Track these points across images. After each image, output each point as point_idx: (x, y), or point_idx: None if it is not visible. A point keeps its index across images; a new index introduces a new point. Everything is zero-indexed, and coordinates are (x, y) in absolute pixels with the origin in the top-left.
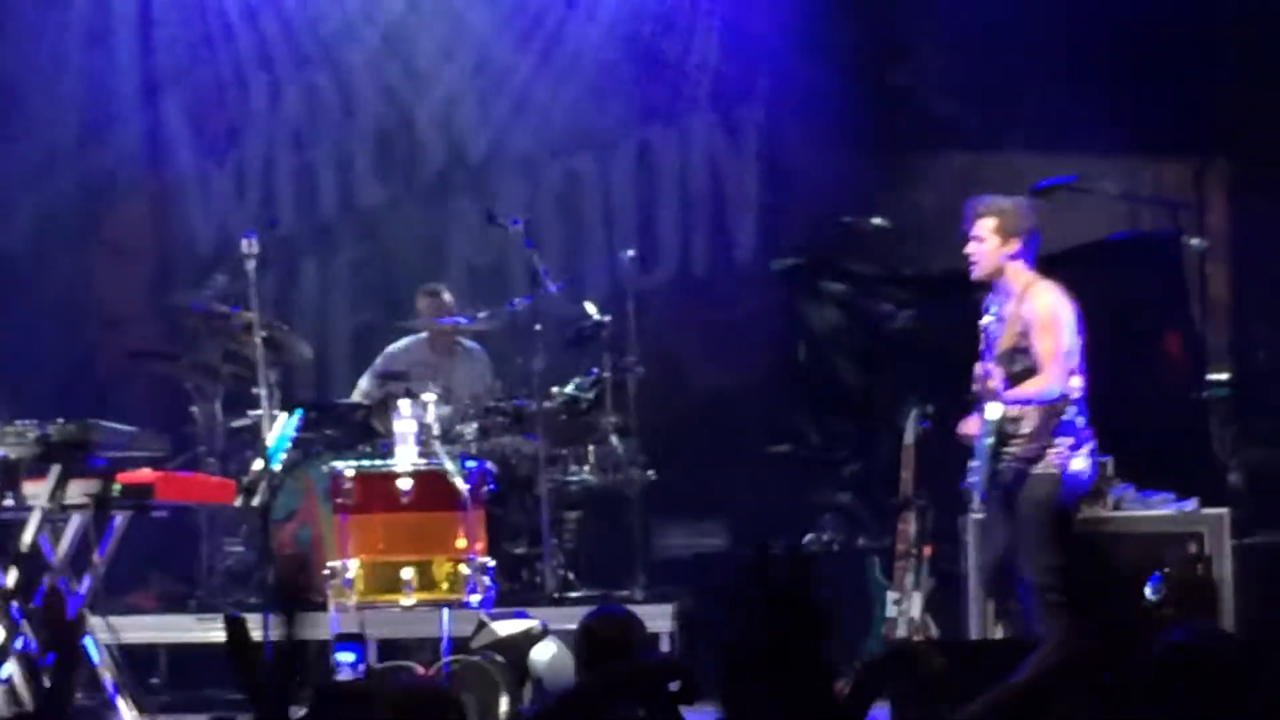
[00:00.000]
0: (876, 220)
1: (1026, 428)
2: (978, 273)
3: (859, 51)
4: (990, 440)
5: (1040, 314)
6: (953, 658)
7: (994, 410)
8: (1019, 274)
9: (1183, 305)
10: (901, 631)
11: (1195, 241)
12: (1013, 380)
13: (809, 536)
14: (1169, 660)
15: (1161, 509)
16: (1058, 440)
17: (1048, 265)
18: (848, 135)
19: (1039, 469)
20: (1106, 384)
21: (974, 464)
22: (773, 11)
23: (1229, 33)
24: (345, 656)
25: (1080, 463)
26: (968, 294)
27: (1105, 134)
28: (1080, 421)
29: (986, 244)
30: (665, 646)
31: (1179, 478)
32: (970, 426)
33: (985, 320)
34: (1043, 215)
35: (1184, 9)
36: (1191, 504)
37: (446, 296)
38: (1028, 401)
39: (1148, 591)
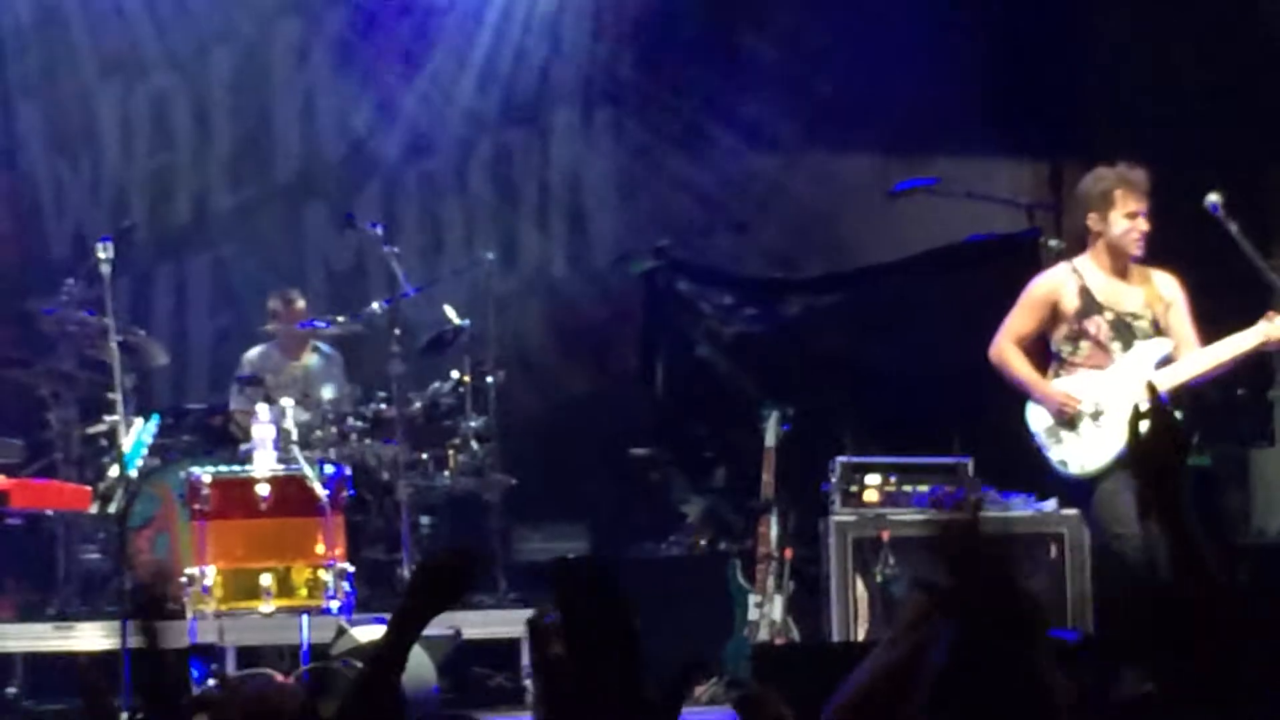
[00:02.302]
0: (731, 226)
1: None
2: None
3: (721, 51)
4: None
5: (1182, 296)
6: (816, 660)
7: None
8: None
9: None
10: (764, 634)
11: (1053, 243)
12: (1164, 360)
13: (670, 539)
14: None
15: (1021, 510)
16: None
17: (906, 267)
18: (706, 135)
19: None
20: (965, 385)
21: (1072, 448)
22: (634, 8)
23: (1088, 36)
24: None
25: None
26: (823, 296)
27: (963, 136)
28: None
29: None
30: (526, 651)
31: (1038, 479)
32: (1047, 413)
33: (1068, 289)
34: (903, 216)
35: (1044, 13)
36: (1050, 504)
37: (299, 301)
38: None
39: None
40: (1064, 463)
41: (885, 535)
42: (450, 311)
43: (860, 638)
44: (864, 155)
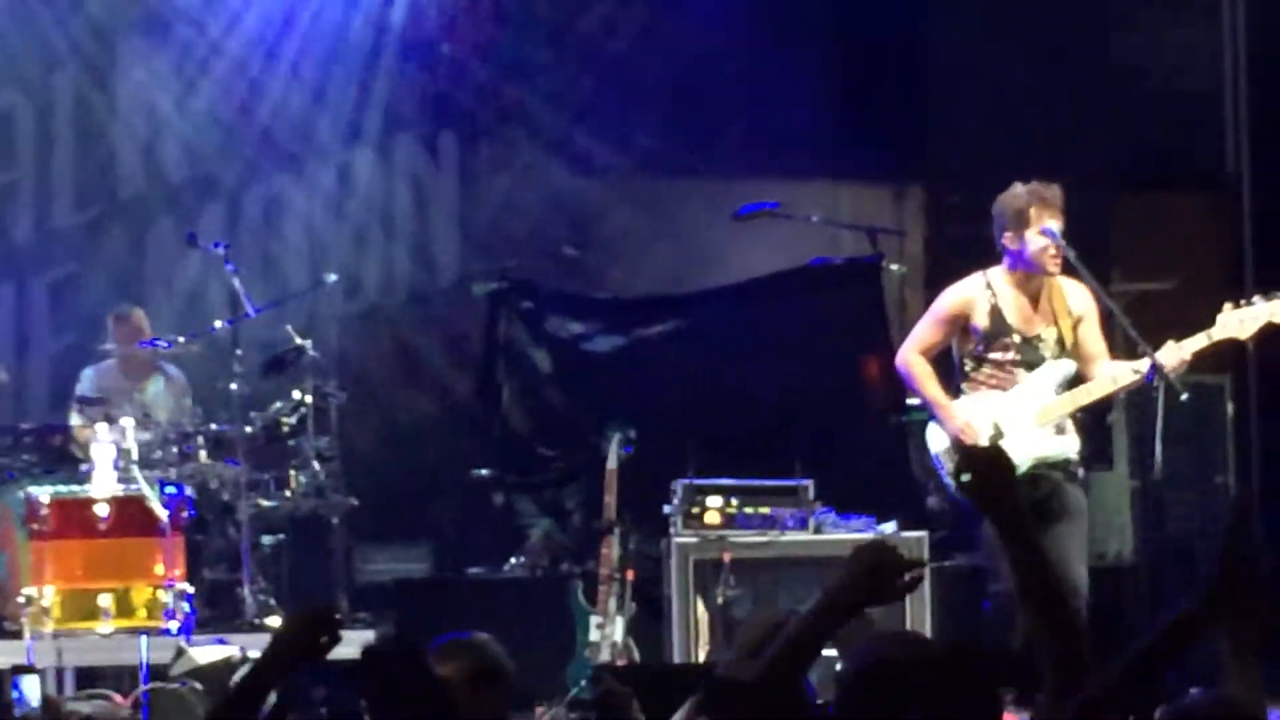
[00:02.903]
0: (571, 250)
1: (1074, 434)
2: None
3: (561, 75)
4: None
5: (1093, 307)
6: (656, 681)
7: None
8: None
9: (883, 330)
10: (605, 655)
11: (895, 267)
12: (1073, 381)
13: (512, 561)
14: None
15: (861, 532)
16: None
17: (749, 290)
18: (550, 159)
19: (1081, 473)
20: (807, 408)
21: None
22: (475, 33)
23: (927, 60)
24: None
25: None
26: (667, 318)
27: (806, 160)
28: None
29: None
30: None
31: (878, 501)
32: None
33: (980, 307)
34: (744, 241)
35: (884, 36)
36: (891, 527)
37: (139, 319)
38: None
39: None
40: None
41: (726, 557)
42: (292, 332)
43: (700, 659)
44: (709, 179)
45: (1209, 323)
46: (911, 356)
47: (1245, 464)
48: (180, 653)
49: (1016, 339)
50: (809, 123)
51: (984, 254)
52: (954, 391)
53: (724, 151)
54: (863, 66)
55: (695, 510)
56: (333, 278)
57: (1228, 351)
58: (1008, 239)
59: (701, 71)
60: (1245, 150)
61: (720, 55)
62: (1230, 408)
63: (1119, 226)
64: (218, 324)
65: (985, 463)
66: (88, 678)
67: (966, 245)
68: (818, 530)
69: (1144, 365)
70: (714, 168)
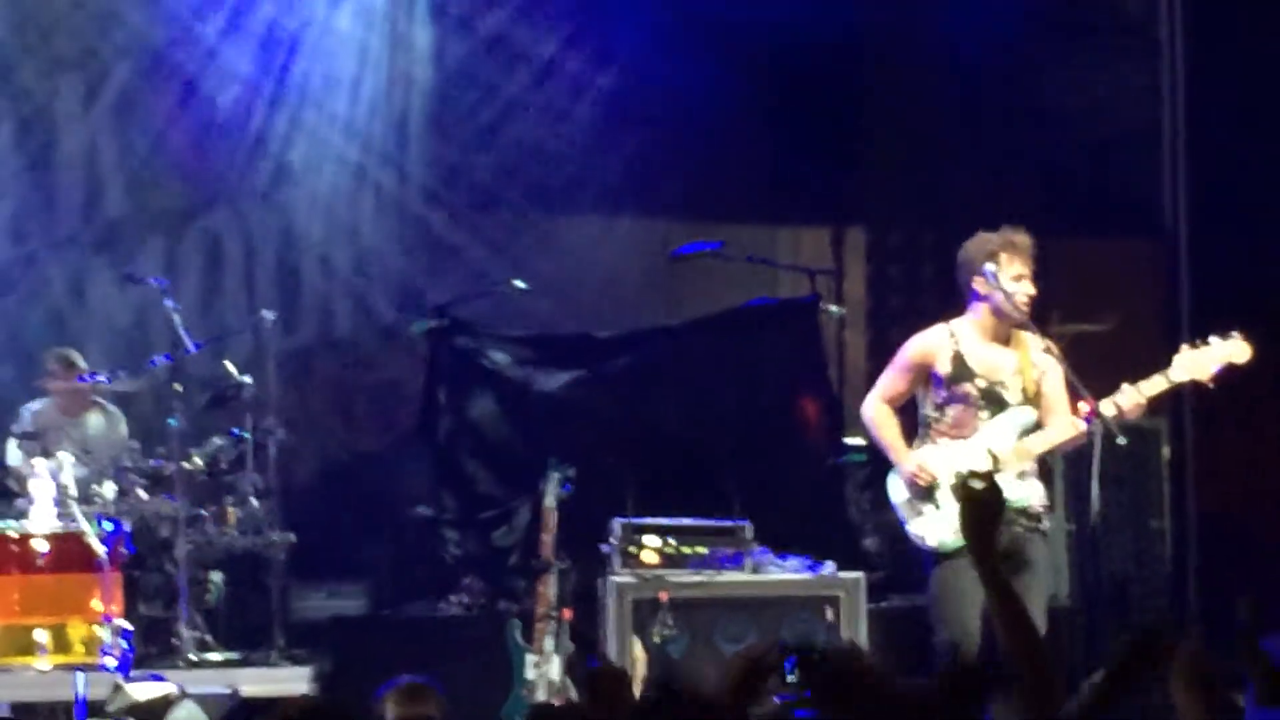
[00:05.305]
0: (518, 282)
1: (1036, 481)
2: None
3: (496, 113)
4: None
5: (1056, 363)
6: None
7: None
8: None
9: (821, 371)
10: (541, 694)
11: (833, 308)
12: (1033, 429)
13: (449, 599)
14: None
15: (798, 573)
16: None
17: (689, 330)
18: (489, 196)
19: (1046, 525)
20: (745, 448)
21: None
22: (409, 71)
23: (866, 103)
24: None
25: None
26: (605, 357)
27: (745, 201)
28: None
29: None
30: None
31: (816, 541)
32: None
33: (942, 354)
34: (685, 280)
35: (823, 78)
36: (828, 567)
37: (75, 358)
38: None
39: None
40: (921, 537)
41: (664, 596)
42: (231, 368)
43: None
44: (645, 219)
45: (1147, 364)
46: (876, 403)
47: (1181, 507)
48: (117, 689)
49: (981, 383)
50: (749, 163)
51: (923, 294)
52: (917, 441)
53: (661, 192)
54: (800, 107)
55: (633, 549)
56: (270, 315)
57: (1163, 395)
58: (978, 284)
59: (639, 112)
60: (1183, 193)
61: (658, 95)
62: (1166, 451)
63: (1056, 270)
64: (157, 360)
65: (981, 496)
66: (24, 714)
67: (906, 286)
68: (755, 570)
69: (1084, 410)
70: (651, 208)
